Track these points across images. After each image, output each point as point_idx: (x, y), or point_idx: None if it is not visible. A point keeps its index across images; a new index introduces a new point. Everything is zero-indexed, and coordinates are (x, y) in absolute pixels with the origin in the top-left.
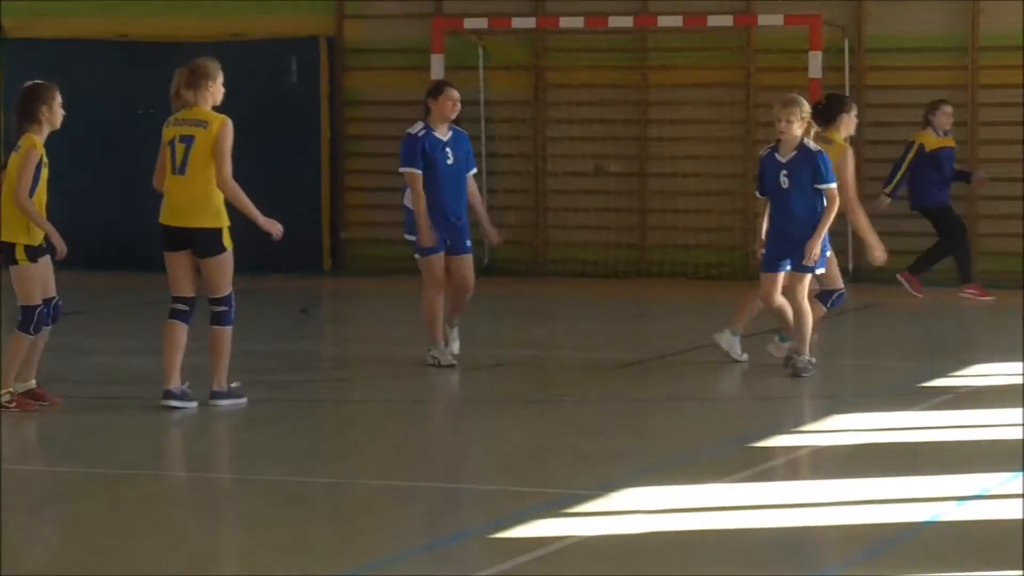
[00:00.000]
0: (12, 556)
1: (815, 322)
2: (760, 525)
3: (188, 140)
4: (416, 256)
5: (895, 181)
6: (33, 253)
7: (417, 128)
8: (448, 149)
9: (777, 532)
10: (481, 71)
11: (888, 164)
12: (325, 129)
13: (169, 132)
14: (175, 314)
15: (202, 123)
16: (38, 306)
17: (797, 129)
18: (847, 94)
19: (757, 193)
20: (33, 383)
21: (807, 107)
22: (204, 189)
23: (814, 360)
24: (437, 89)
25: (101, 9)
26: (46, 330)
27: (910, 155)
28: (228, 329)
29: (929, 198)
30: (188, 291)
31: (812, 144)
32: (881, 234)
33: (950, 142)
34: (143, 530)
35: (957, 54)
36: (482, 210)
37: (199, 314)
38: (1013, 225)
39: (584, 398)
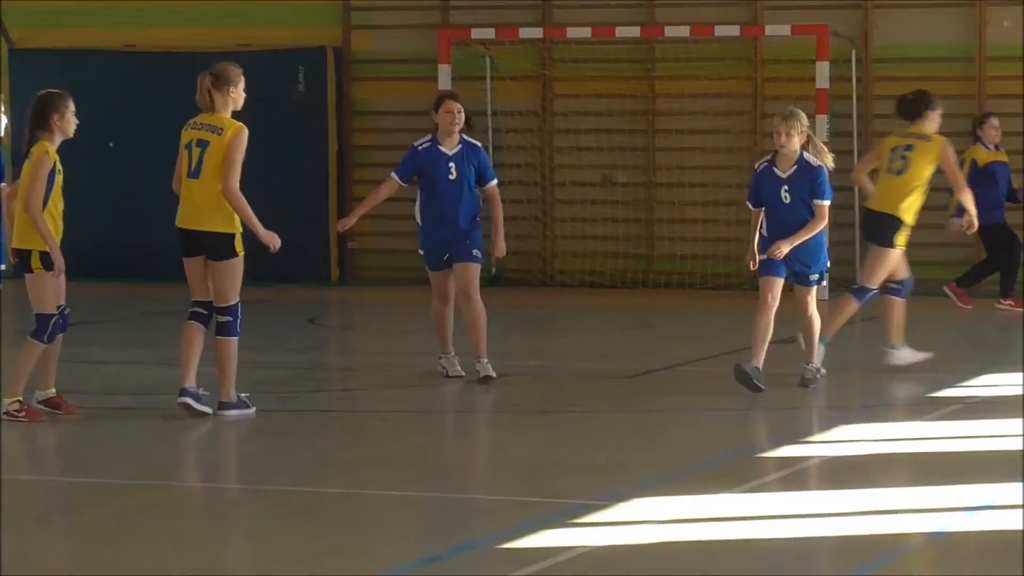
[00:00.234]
0: (22, 566)
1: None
2: (769, 536)
3: (203, 145)
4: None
5: (955, 203)
6: (48, 261)
7: (421, 141)
8: (452, 164)
9: (786, 543)
10: (488, 81)
11: None
12: (332, 139)
13: (187, 135)
14: (194, 316)
15: (218, 129)
16: (53, 315)
17: (796, 142)
18: (854, 104)
19: (749, 204)
20: (53, 391)
21: (806, 120)
22: (217, 194)
23: (823, 371)
24: (438, 102)
25: (108, 20)
26: (59, 338)
27: (964, 170)
28: (233, 340)
29: (983, 215)
30: (206, 295)
31: (812, 158)
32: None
33: (1002, 156)
34: (151, 540)
35: (964, 64)
36: (500, 223)
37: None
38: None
39: (592, 409)
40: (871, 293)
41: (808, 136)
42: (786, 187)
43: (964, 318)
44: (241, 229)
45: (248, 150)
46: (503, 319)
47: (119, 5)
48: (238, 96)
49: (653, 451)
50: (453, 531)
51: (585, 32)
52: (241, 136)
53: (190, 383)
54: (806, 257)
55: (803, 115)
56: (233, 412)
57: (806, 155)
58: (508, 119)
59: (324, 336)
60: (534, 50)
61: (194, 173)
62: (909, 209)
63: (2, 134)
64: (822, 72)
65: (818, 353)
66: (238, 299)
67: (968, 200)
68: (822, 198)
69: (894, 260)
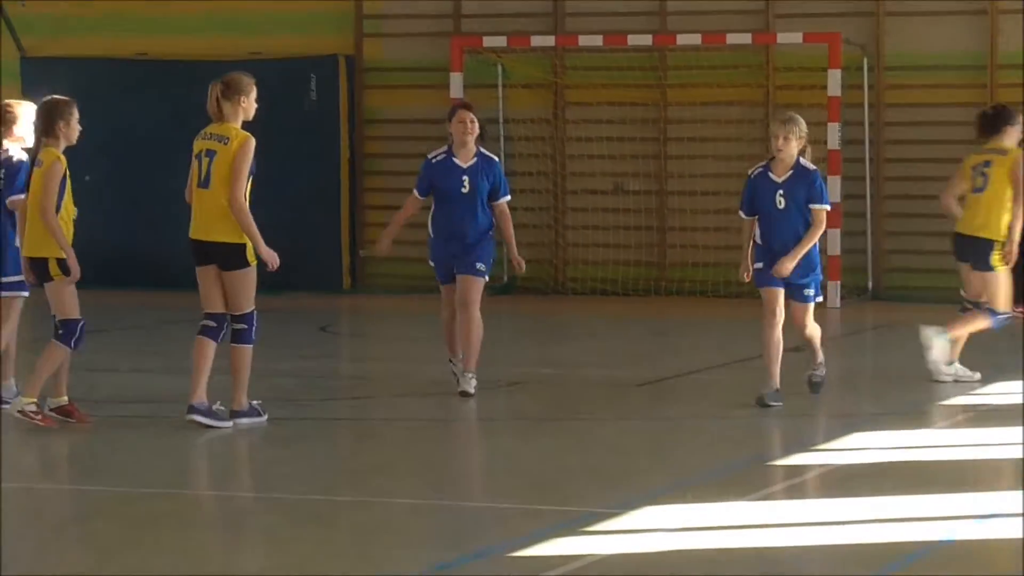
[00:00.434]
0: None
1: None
2: (779, 544)
3: (211, 155)
4: None
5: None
6: (66, 267)
7: (436, 153)
8: (465, 176)
9: (796, 551)
10: (500, 89)
11: (907, 182)
12: (344, 147)
13: (197, 145)
14: (204, 330)
15: (224, 139)
16: (81, 320)
17: (794, 148)
18: (866, 112)
19: (742, 213)
20: (65, 399)
21: (805, 127)
22: (225, 204)
23: (824, 374)
24: (451, 112)
25: (120, 28)
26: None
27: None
28: (248, 348)
29: None
30: (217, 307)
31: (808, 163)
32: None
33: None
34: (163, 549)
35: (976, 72)
36: (511, 238)
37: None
38: None
39: (604, 416)
40: (1004, 316)
41: (805, 143)
42: (781, 192)
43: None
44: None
45: (260, 159)
46: (515, 326)
47: (130, 14)
48: (249, 106)
49: (664, 459)
50: (464, 539)
51: (597, 40)
52: (246, 146)
53: (199, 399)
54: (801, 269)
55: (802, 121)
56: (245, 420)
57: (802, 160)
58: (520, 127)
59: (336, 344)
60: (546, 58)
61: (203, 183)
62: (994, 226)
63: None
64: (834, 80)
65: (940, 347)
66: (253, 308)
67: (1019, 223)
68: (821, 202)
69: (1003, 279)
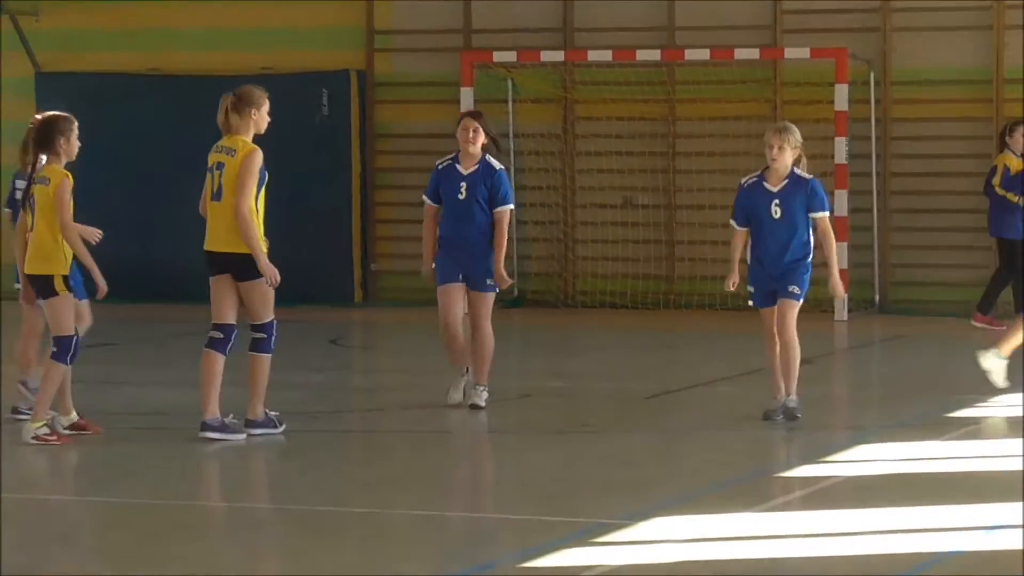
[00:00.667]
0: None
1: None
2: (788, 555)
3: (221, 167)
4: None
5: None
6: (67, 283)
7: (443, 160)
8: (464, 183)
9: (805, 562)
10: (510, 104)
11: (913, 196)
12: (355, 162)
13: (211, 158)
14: (211, 343)
15: (232, 151)
16: (74, 335)
17: (789, 157)
18: (872, 126)
19: (734, 223)
20: (75, 415)
21: (800, 137)
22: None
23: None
24: (459, 120)
25: (133, 44)
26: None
27: (997, 179)
28: (266, 357)
29: (1007, 228)
30: (226, 318)
31: (803, 172)
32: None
33: None
34: (177, 558)
35: (982, 87)
36: (499, 251)
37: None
38: None
39: (613, 428)
40: None
41: (800, 153)
42: (777, 201)
43: (979, 339)
44: (265, 248)
45: (272, 172)
46: (526, 339)
47: (143, 30)
48: (260, 119)
49: (672, 470)
50: (474, 550)
51: (606, 55)
52: (252, 158)
53: (211, 415)
54: (795, 278)
55: (797, 130)
56: (259, 430)
57: (797, 170)
58: (530, 141)
59: (347, 356)
60: (555, 73)
61: (216, 196)
62: None
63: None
64: (841, 95)
65: (998, 369)
66: (272, 317)
67: None
68: (822, 209)
69: None
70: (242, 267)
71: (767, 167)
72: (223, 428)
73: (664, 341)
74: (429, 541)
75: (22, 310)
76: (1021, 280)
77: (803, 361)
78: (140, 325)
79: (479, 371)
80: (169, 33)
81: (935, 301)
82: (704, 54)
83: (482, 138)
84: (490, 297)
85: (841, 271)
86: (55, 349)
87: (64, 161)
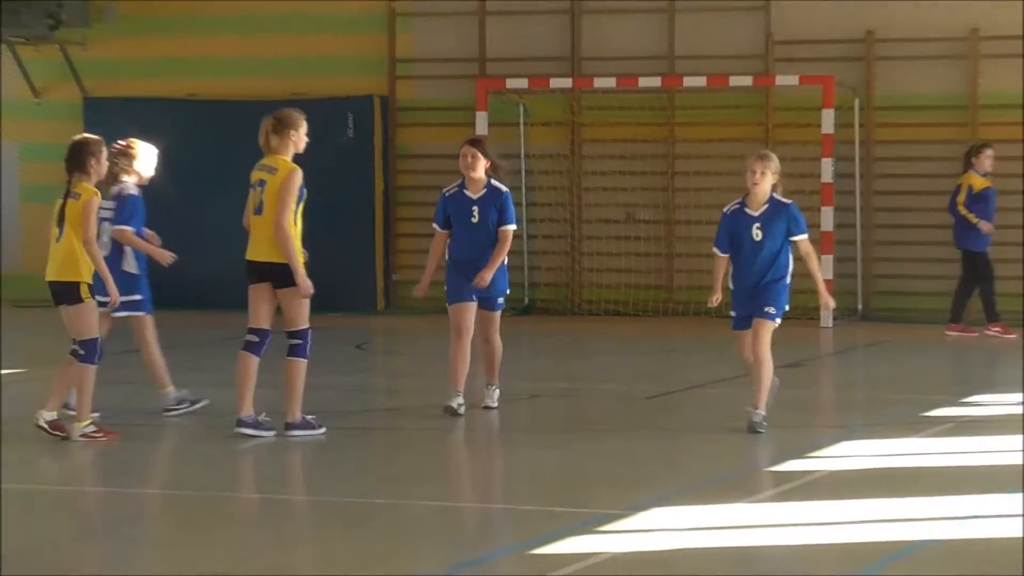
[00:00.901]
0: (91, 568)
1: None
2: (777, 543)
3: (263, 184)
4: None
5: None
6: (91, 290)
7: (450, 187)
8: (475, 207)
9: (792, 549)
10: (522, 127)
11: (894, 212)
12: (379, 180)
13: (253, 176)
14: (246, 345)
15: (273, 170)
16: (97, 338)
17: (769, 183)
18: (857, 148)
19: (717, 251)
20: (55, 414)
21: (778, 163)
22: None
23: (766, 418)
24: (461, 147)
25: (173, 70)
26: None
27: (961, 197)
28: (302, 362)
29: (971, 241)
30: (261, 323)
31: (782, 198)
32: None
33: (989, 183)
34: (212, 546)
35: (958, 112)
36: (495, 260)
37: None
38: (1013, 268)
39: (616, 427)
40: None
41: (779, 179)
42: (758, 224)
43: (953, 344)
44: (303, 260)
45: (303, 190)
46: (535, 344)
47: (182, 58)
48: (299, 139)
49: (670, 465)
50: (488, 538)
51: (610, 82)
52: (292, 177)
53: (247, 413)
54: (771, 299)
55: (776, 158)
56: (299, 432)
57: (775, 195)
58: (540, 162)
59: (371, 361)
60: (564, 98)
61: (258, 210)
62: None
63: (147, 178)
64: (828, 119)
65: None
66: (308, 325)
67: None
68: (802, 232)
69: None
70: (281, 276)
71: (747, 193)
72: (256, 425)
73: (664, 346)
74: (445, 530)
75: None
76: (989, 290)
77: (791, 364)
78: (176, 331)
79: (491, 373)
80: (206, 61)
81: (914, 309)
82: (701, 81)
83: (482, 163)
84: (499, 315)
85: (826, 281)
86: (82, 352)
87: (94, 180)
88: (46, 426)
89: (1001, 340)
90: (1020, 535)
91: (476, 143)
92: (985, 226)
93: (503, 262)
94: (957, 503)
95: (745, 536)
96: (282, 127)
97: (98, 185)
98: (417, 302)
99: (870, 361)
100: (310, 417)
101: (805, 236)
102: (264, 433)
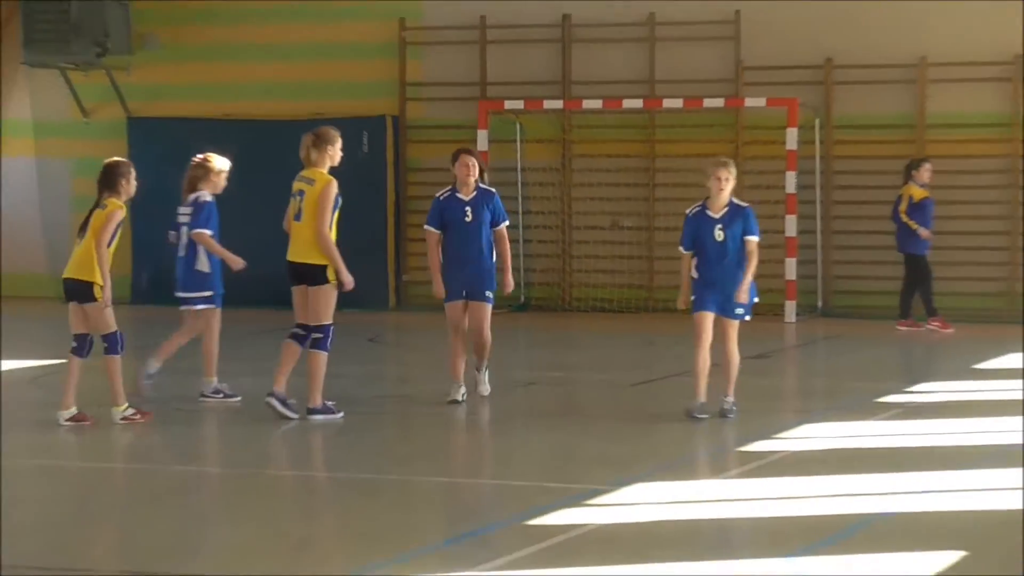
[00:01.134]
0: (140, 538)
1: None
2: (746, 515)
3: (302, 194)
4: None
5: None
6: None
7: (442, 192)
8: (468, 208)
9: (760, 521)
10: (518, 144)
11: (850, 220)
12: (390, 191)
13: (294, 186)
14: (292, 335)
15: (312, 181)
16: (118, 331)
17: (730, 188)
18: (817, 163)
19: (682, 248)
20: (74, 409)
21: (735, 170)
22: (313, 233)
23: (736, 405)
24: (455, 156)
25: (209, 93)
26: (80, 362)
27: (903, 206)
28: (323, 354)
29: (911, 245)
30: (307, 319)
31: (740, 201)
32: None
33: (927, 193)
34: (245, 517)
35: (908, 131)
36: (505, 261)
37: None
38: (956, 270)
39: (602, 411)
40: None
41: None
42: (719, 226)
43: (902, 337)
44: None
45: (338, 199)
46: (530, 338)
47: (217, 82)
48: (335, 153)
49: (651, 446)
50: (488, 511)
51: (597, 104)
52: (329, 188)
53: (279, 388)
54: (737, 302)
55: (734, 165)
56: (319, 417)
57: (734, 199)
58: (534, 174)
59: (383, 352)
60: (556, 118)
61: (297, 217)
62: None
63: (221, 187)
64: (791, 137)
65: None
66: (331, 321)
67: None
68: (755, 234)
69: None
70: (312, 275)
71: (708, 197)
72: (285, 403)
73: (645, 339)
74: (450, 503)
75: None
76: (927, 289)
77: (758, 355)
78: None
79: (480, 360)
80: (238, 85)
81: (869, 306)
82: (678, 103)
83: (477, 169)
84: (489, 308)
85: (789, 281)
86: (106, 345)
87: (124, 198)
88: (68, 423)
89: (940, 334)
90: (964, 508)
91: (472, 152)
92: (924, 232)
93: (494, 256)
94: (907, 479)
95: (717, 509)
96: (321, 142)
97: (125, 201)
98: (424, 300)
99: (829, 353)
100: (330, 403)
101: (756, 238)
102: (288, 413)
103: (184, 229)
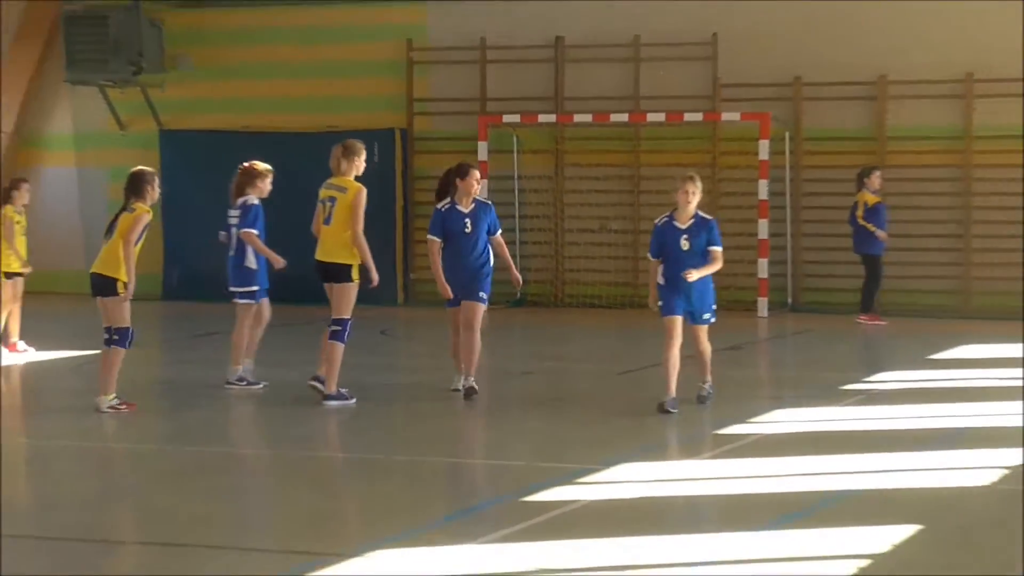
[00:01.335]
0: (176, 512)
1: None
2: (721, 492)
3: (332, 200)
4: None
5: (870, 226)
6: (126, 287)
7: (443, 204)
8: (468, 220)
9: (733, 497)
10: (515, 154)
11: (818, 223)
12: (399, 197)
13: (323, 193)
14: (332, 334)
15: (343, 188)
16: (130, 327)
17: (696, 200)
18: (787, 172)
19: (650, 255)
20: (112, 397)
21: (701, 184)
22: (342, 235)
23: (713, 388)
24: (464, 171)
25: (233, 107)
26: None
27: (859, 212)
28: (339, 345)
29: (868, 246)
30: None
31: (705, 214)
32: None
33: (879, 199)
34: (265, 493)
35: (870, 143)
36: (509, 261)
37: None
38: (913, 269)
39: (592, 398)
40: None
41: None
42: (685, 236)
43: (864, 331)
44: (358, 263)
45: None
46: (526, 331)
47: (240, 97)
48: (360, 163)
49: (636, 429)
50: (488, 488)
51: (587, 118)
52: (361, 195)
53: (322, 373)
54: (700, 301)
55: (700, 180)
56: (334, 403)
57: (700, 212)
58: (530, 182)
59: (393, 345)
60: (549, 131)
61: (327, 221)
62: None
63: (267, 191)
64: (764, 148)
65: None
66: (350, 315)
67: None
68: (718, 244)
69: None
70: (337, 272)
71: (675, 208)
72: (342, 397)
73: (630, 332)
74: (452, 482)
75: (237, 308)
76: (873, 288)
77: (732, 347)
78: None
79: (468, 365)
80: (259, 100)
81: (834, 303)
82: (661, 117)
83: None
84: (482, 307)
85: (761, 279)
86: (116, 338)
87: (149, 202)
88: (109, 410)
89: (867, 327)
90: (919, 485)
91: (477, 168)
92: (881, 234)
93: (490, 263)
94: (868, 460)
95: (695, 486)
96: (350, 154)
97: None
98: (429, 297)
99: (797, 345)
100: (344, 390)
101: (719, 248)
102: (346, 403)
103: (233, 230)
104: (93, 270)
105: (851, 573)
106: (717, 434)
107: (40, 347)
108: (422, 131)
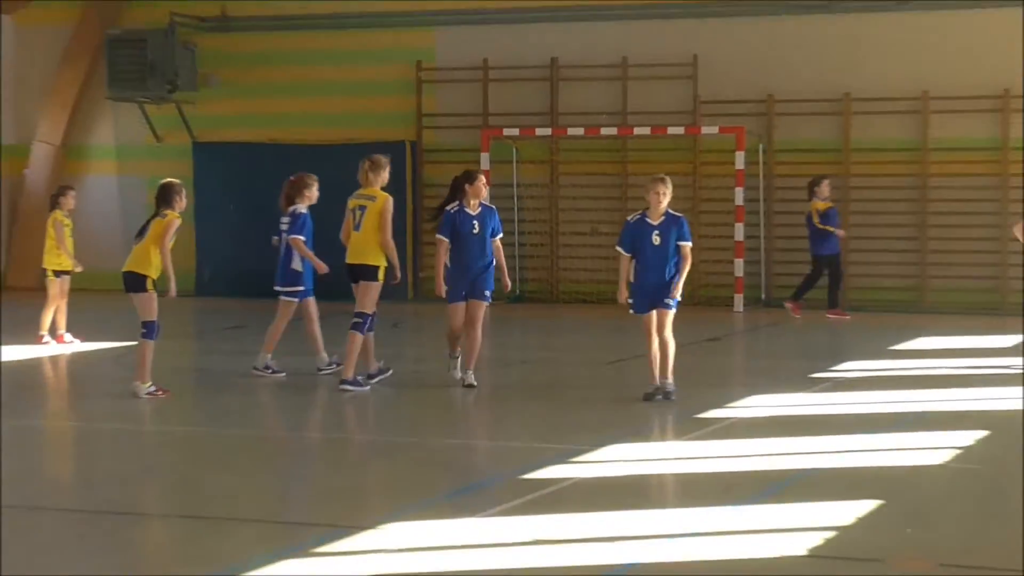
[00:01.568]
0: (201, 490)
1: None
2: (702, 471)
3: (363, 209)
4: None
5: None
6: (155, 284)
7: (452, 206)
8: (475, 222)
9: (714, 475)
10: (514, 164)
11: (790, 227)
12: (409, 203)
13: (352, 203)
14: (354, 325)
15: (372, 198)
16: (156, 320)
17: (667, 200)
18: (761, 180)
19: (620, 249)
20: (148, 385)
21: (671, 186)
22: (371, 240)
23: (675, 386)
24: (472, 177)
25: (259, 122)
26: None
27: (815, 218)
28: (359, 336)
29: (824, 247)
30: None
31: (676, 212)
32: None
33: (830, 204)
34: (281, 472)
35: (836, 154)
36: (503, 265)
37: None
38: (869, 268)
39: (584, 385)
40: None
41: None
42: (657, 232)
43: (831, 324)
44: (385, 264)
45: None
46: (524, 324)
47: (267, 113)
48: (385, 176)
49: (626, 413)
50: (489, 467)
51: (579, 131)
52: (388, 203)
53: (349, 375)
54: (669, 292)
55: (670, 181)
56: (351, 388)
57: (670, 210)
58: (528, 189)
59: (403, 335)
60: (545, 143)
61: (356, 227)
62: None
63: (315, 199)
64: (740, 159)
65: None
66: (372, 310)
67: None
68: (688, 240)
69: None
70: (363, 272)
71: (648, 207)
72: (357, 383)
73: (619, 326)
74: (457, 460)
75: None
76: (811, 283)
77: (711, 339)
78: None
79: (469, 360)
80: (283, 115)
81: (805, 299)
82: (646, 130)
83: None
84: (485, 305)
85: (738, 277)
86: (144, 331)
87: (178, 210)
88: (146, 396)
89: (792, 317)
90: (881, 464)
91: (484, 175)
92: (840, 232)
93: (493, 263)
94: (835, 441)
95: (679, 465)
96: (376, 168)
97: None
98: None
99: (770, 337)
100: (359, 377)
101: (689, 244)
102: (360, 389)
103: (284, 235)
104: (125, 269)
105: (819, 543)
106: (697, 417)
107: (85, 339)
108: (430, 143)
